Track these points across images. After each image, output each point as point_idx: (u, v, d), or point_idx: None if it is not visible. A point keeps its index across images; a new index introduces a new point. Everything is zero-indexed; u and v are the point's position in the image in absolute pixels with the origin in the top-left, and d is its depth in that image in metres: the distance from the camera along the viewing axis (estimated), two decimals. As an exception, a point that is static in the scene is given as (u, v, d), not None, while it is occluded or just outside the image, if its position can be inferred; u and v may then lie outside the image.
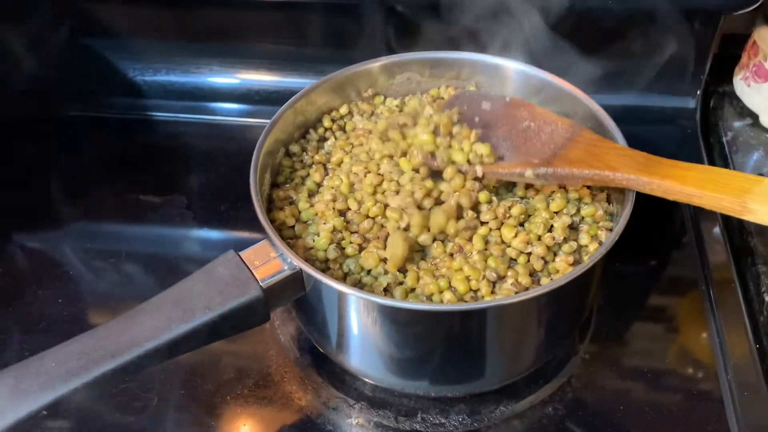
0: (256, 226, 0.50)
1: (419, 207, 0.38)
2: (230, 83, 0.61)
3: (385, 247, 0.37)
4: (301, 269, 0.35)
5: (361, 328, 0.36)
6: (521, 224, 0.38)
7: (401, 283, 0.36)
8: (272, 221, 0.39)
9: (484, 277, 0.35)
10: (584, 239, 0.38)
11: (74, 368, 0.31)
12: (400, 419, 0.40)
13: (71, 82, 0.62)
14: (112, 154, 0.58)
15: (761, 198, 0.34)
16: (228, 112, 0.61)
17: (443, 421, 0.40)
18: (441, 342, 0.36)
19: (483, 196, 0.39)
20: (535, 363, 0.40)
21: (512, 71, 0.45)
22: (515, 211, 0.38)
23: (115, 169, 0.57)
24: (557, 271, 0.37)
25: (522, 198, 0.39)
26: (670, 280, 0.47)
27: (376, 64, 0.46)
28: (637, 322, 0.45)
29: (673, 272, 0.47)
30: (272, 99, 0.60)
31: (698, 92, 0.55)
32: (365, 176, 0.40)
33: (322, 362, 0.42)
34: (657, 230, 0.48)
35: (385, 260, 0.37)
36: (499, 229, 0.37)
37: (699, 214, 0.49)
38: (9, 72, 0.61)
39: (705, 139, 0.55)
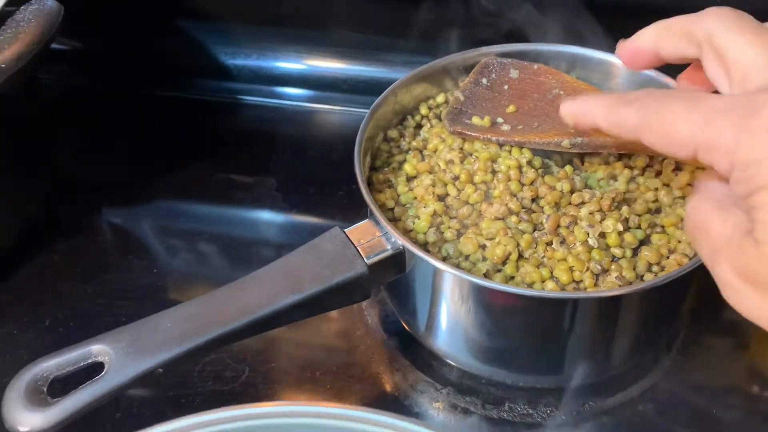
0: (344, 210, 0.52)
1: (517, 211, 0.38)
2: (319, 71, 0.62)
3: (483, 234, 0.37)
4: (403, 249, 0.36)
5: (457, 311, 0.37)
6: (626, 219, 0.37)
7: (499, 270, 0.37)
8: (372, 203, 0.39)
9: (587, 268, 0.35)
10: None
11: (189, 330, 0.32)
12: (488, 407, 0.40)
13: (163, 63, 0.64)
14: (202, 134, 0.60)
15: None
16: (315, 99, 0.62)
17: (531, 411, 0.40)
18: (536, 331, 0.37)
19: (566, 185, 0.38)
20: (626, 362, 0.40)
21: (618, 67, 0.44)
22: (624, 210, 0.38)
23: (204, 149, 0.59)
24: (662, 269, 0.36)
25: (625, 192, 0.39)
26: None
27: (471, 54, 0.46)
28: (726, 336, 0.44)
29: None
30: (360, 88, 0.61)
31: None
32: (462, 162, 0.41)
33: (409, 346, 0.43)
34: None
35: (483, 246, 0.37)
36: (601, 222, 0.37)
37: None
38: (107, 51, 0.64)
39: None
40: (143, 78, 0.63)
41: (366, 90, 0.61)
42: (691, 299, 0.41)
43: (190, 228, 0.52)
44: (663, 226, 0.38)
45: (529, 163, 0.39)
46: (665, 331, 0.41)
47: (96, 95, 0.63)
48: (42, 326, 0.46)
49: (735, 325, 0.43)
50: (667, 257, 0.36)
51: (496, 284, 0.34)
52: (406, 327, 0.42)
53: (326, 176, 0.55)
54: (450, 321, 0.38)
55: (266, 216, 0.53)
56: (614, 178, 0.40)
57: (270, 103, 0.62)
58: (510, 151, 0.40)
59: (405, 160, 0.43)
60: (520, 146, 0.40)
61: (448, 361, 0.41)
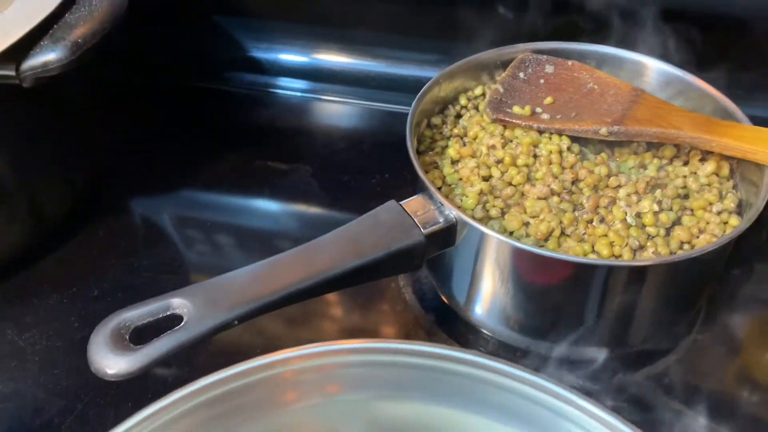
0: (378, 198, 0.54)
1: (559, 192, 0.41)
2: (348, 67, 0.65)
3: (526, 212, 0.40)
4: (455, 222, 0.38)
5: (501, 282, 0.39)
6: (660, 201, 0.40)
7: (542, 246, 0.39)
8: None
9: (626, 244, 0.38)
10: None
11: (261, 288, 0.34)
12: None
13: (198, 56, 0.67)
14: (234, 126, 0.63)
15: None
16: (344, 94, 0.65)
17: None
18: (574, 301, 0.39)
19: (604, 169, 0.41)
20: (655, 337, 0.42)
21: (645, 66, 0.47)
22: (658, 193, 0.41)
23: (237, 139, 0.61)
24: (692, 247, 0.39)
25: (656, 178, 0.42)
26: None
27: (507, 50, 0.49)
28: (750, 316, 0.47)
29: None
30: (387, 86, 0.64)
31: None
32: (503, 147, 0.43)
33: (447, 320, 0.45)
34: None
35: (527, 224, 0.40)
36: (638, 203, 0.40)
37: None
38: (145, 43, 0.66)
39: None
40: (176, 70, 0.66)
41: (392, 87, 0.64)
42: (714, 283, 0.44)
43: (229, 211, 0.55)
44: (692, 209, 0.41)
45: (569, 148, 0.42)
46: (691, 307, 0.44)
47: (130, 87, 0.65)
48: (91, 296, 0.48)
49: (752, 310, 0.47)
50: (698, 237, 0.39)
51: (548, 252, 0.36)
52: (445, 300, 0.45)
53: (358, 166, 0.58)
54: (492, 292, 0.41)
55: (303, 201, 0.55)
56: (644, 167, 0.43)
57: (301, 96, 0.65)
58: (550, 138, 0.43)
59: (447, 146, 0.45)
60: (560, 133, 0.43)
61: (485, 332, 0.44)
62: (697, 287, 0.42)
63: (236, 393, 0.22)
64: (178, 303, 0.33)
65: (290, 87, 0.65)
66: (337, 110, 0.65)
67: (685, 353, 0.44)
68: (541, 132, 0.44)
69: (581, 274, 0.37)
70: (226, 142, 0.60)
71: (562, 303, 0.39)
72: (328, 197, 0.55)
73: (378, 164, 0.58)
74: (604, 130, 0.42)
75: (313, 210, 0.55)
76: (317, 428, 0.23)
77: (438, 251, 0.40)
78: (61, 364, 0.44)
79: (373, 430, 0.25)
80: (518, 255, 0.37)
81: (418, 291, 0.47)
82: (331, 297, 0.47)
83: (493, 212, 0.41)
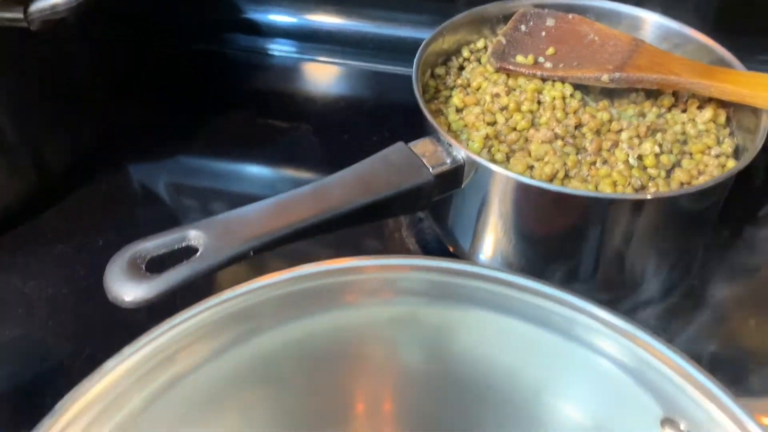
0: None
1: (563, 137, 0.41)
2: (345, 29, 0.65)
3: (531, 155, 0.41)
4: (463, 163, 0.39)
5: (506, 221, 0.40)
6: (660, 145, 0.41)
7: (547, 187, 0.40)
8: (426, 128, 0.43)
9: (629, 183, 0.39)
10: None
11: (274, 222, 0.35)
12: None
13: (196, 17, 0.67)
14: (234, 88, 0.63)
15: None
16: (342, 55, 0.65)
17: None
18: (578, 239, 0.40)
19: (606, 115, 0.42)
20: (653, 281, 0.43)
21: (643, 20, 0.48)
22: (659, 136, 0.42)
23: (238, 99, 0.61)
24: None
25: (655, 122, 0.43)
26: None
27: (509, 5, 0.50)
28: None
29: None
30: (384, 47, 0.64)
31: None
32: (507, 95, 0.44)
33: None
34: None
35: (531, 167, 0.41)
36: (639, 145, 0.41)
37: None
38: (144, 4, 0.66)
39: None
40: (174, 32, 0.66)
41: (390, 48, 0.65)
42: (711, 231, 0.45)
43: (235, 165, 0.55)
44: (691, 153, 0.42)
45: (572, 95, 0.43)
46: (686, 257, 0.45)
47: (129, 47, 0.65)
48: (96, 246, 0.48)
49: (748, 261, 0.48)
50: (697, 178, 0.40)
51: (557, 187, 0.37)
52: (449, 248, 0.45)
53: (358, 126, 0.58)
54: (496, 236, 0.41)
55: (304, 159, 0.56)
56: (643, 115, 0.44)
57: (298, 58, 0.65)
58: (553, 85, 0.44)
59: (451, 96, 0.46)
60: (563, 80, 0.44)
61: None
62: (694, 232, 0.43)
63: (304, 291, 0.27)
64: (193, 235, 0.34)
65: (288, 49, 0.65)
66: (335, 72, 0.65)
67: (681, 298, 0.45)
68: (544, 80, 0.44)
69: (586, 210, 0.38)
70: (226, 103, 0.60)
71: (564, 246, 0.40)
72: (329, 156, 0.56)
73: (378, 124, 0.58)
74: (605, 77, 0.43)
75: (315, 168, 0.55)
76: (372, 324, 0.28)
77: (444, 193, 0.40)
78: (68, 310, 0.44)
79: (414, 328, 0.28)
80: (526, 192, 0.38)
81: (421, 241, 0.48)
82: (335, 247, 0.48)
83: (498, 156, 0.41)
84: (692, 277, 0.46)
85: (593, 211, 0.38)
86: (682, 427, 0.27)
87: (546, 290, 0.27)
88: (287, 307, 0.27)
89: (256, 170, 0.56)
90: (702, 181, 0.40)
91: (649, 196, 0.37)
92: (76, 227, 0.49)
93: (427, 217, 0.47)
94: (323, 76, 0.65)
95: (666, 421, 0.28)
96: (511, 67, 0.45)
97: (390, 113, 0.60)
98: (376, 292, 0.27)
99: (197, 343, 0.26)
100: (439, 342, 0.29)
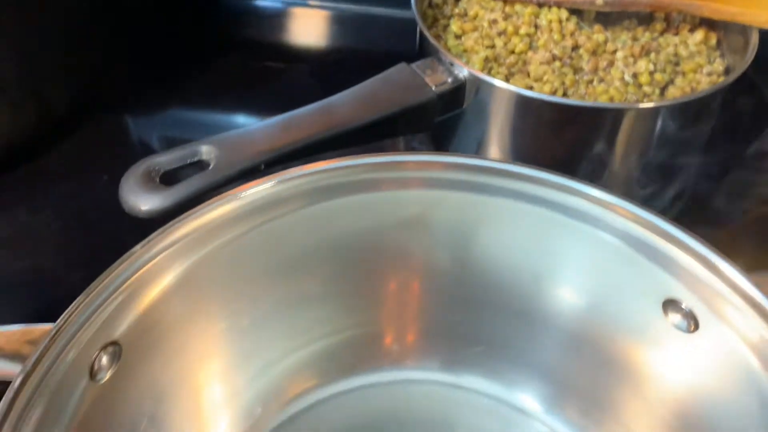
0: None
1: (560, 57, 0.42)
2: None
3: (530, 76, 0.42)
4: (465, 81, 0.40)
5: (511, 142, 0.41)
6: (654, 64, 0.42)
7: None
8: (426, 54, 0.43)
9: (626, 99, 0.40)
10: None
11: (284, 137, 0.36)
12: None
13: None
14: (224, 36, 0.63)
15: None
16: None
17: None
18: (579, 148, 0.41)
19: (601, 36, 0.43)
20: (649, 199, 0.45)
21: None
22: (653, 56, 0.43)
23: (234, 44, 0.62)
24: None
25: (649, 42, 0.44)
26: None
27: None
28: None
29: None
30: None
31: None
32: (505, 20, 0.45)
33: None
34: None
35: (531, 88, 0.42)
36: (634, 64, 0.42)
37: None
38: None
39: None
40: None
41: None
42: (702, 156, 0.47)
43: (232, 105, 0.56)
44: (684, 72, 0.43)
45: (567, 19, 0.44)
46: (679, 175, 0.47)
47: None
48: (101, 181, 0.48)
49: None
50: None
51: (559, 98, 0.38)
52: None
53: (354, 65, 0.59)
54: (499, 153, 0.42)
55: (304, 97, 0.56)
56: (636, 40, 0.45)
57: (291, 2, 0.65)
58: (549, 9, 0.45)
59: (449, 24, 0.47)
60: (558, 5, 0.45)
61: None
62: (686, 150, 0.44)
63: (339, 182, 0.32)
64: (206, 149, 0.35)
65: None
66: (329, 17, 0.65)
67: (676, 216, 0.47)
68: (540, 5, 0.45)
69: (587, 122, 0.39)
70: (221, 47, 0.60)
71: (563, 161, 0.41)
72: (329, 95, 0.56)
73: (374, 65, 0.58)
74: (599, 0, 0.44)
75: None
76: (406, 209, 0.33)
77: (447, 112, 0.41)
78: (77, 242, 0.45)
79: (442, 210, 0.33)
80: (528, 107, 0.39)
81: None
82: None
83: (498, 78, 0.42)
84: (685, 199, 0.48)
85: (594, 123, 0.39)
86: (683, 305, 0.29)
87: (562, 181, 0.29)
88: (332, 190, 0.32)
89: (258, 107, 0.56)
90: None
91: (645, 105, 0.38)
92: (79, 165, 0.49)
93: (429, 143, 0.48)
94: (316, 21, 0.65)
95: (668, 303, 0.30)
96: None
97: (385, 57, 0.59)
98: (410, 184, 0.31)
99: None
100: (461, 232, 0.32)
